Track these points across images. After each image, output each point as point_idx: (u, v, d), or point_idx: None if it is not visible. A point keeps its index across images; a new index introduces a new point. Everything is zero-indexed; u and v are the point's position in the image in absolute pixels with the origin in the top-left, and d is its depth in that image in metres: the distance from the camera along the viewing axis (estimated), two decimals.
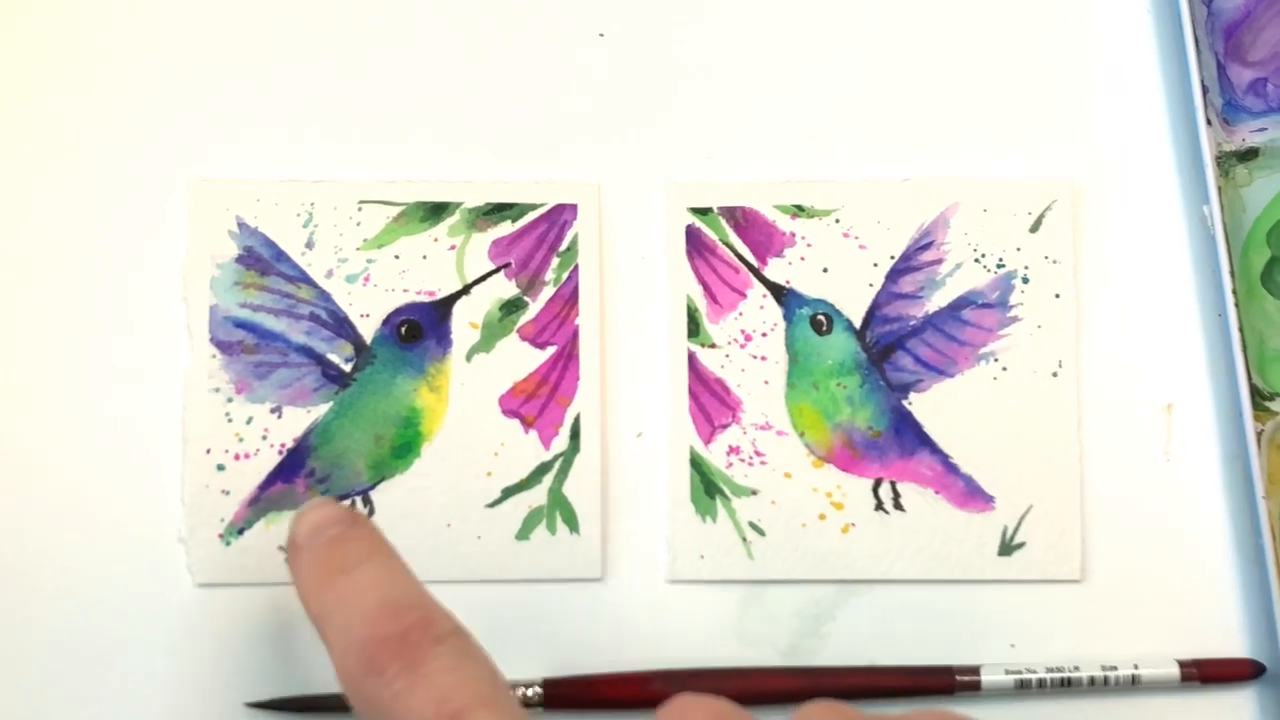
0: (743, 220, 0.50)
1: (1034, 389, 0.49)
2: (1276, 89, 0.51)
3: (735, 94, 0.51)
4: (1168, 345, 0.50)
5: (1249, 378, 0.48)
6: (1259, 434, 0.48)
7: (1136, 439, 0.49)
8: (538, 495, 0.48)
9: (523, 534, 0.48)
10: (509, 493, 0.48)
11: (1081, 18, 0.52)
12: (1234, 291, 0.48)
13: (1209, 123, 0.49)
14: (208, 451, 0.47)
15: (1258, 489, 0.47)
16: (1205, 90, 0.49)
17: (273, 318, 0.48)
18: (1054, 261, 0.50)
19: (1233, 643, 0.48)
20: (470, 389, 0.48)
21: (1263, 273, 0.50)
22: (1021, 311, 0.49)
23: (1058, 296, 0.49)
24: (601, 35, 0.51)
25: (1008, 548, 0.48)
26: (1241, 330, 0.48)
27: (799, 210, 0.50)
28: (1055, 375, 0.49)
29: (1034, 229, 0.50)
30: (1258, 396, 0.49)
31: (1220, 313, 0.49)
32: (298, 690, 0.47)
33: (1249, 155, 0.50)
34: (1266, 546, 0.47)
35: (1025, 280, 0.50)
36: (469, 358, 0.48)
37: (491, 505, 0.48)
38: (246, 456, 0.48)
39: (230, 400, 0.48)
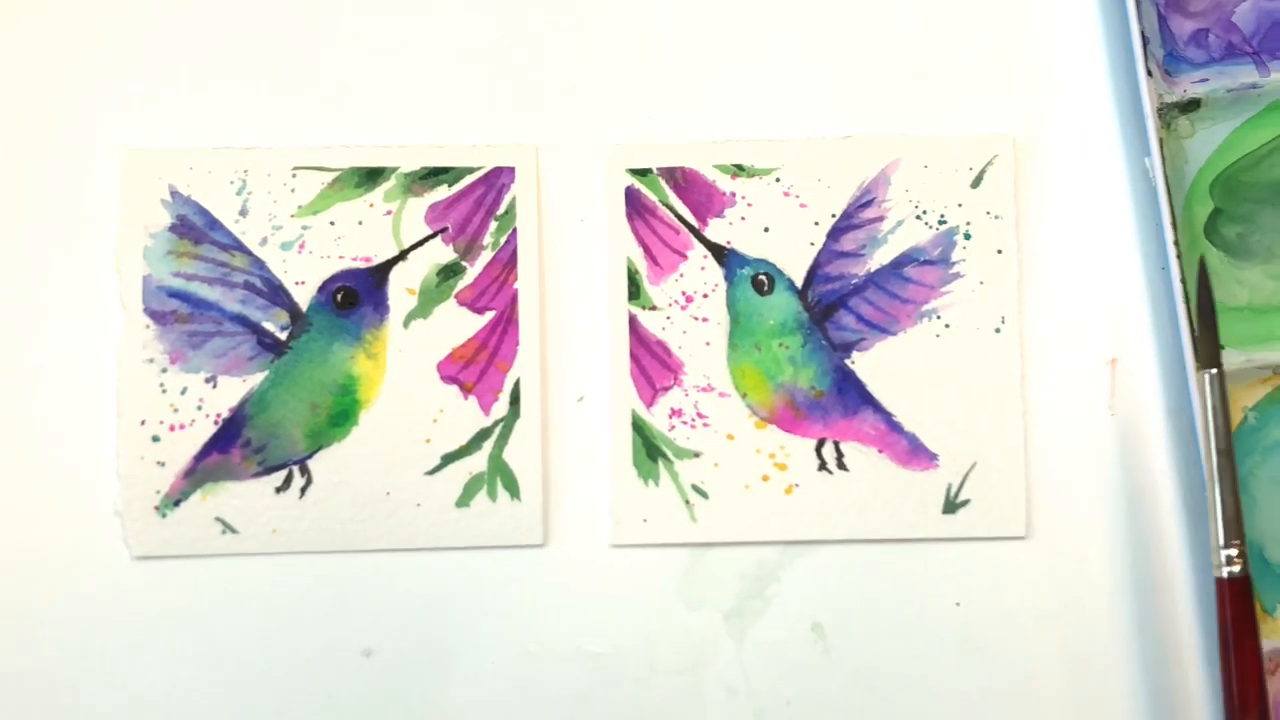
0: (682, 181, 0.51)
1: (977, 346, 0.51)
2: (1218, 39, 0.53)
3: (673, 54, 0.52)
4: (1111, 299, 0.52)
5: (1192, 330, 0.50)
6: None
7: (1080, 394, 0.51)
8: (478, 461, 0.49)
9: (463, 501, 0.49)
10: (449, 459, 0.49)
11: None
12: (1176, 244, 0.50)
13: (1150, 74, 0.51)
14: (142, 423, 0.49)
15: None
16: (1146, 42, 0.51)
17: (207, 286, 0.50)
18: (996, 217, 0.51)
19: (1178, 597, 0.50)
20: (408, 355, 0.50)
21: (1206, 224, 0.52)
22: (964, 268, 0.51)
23: (1000, 252, 0.51)
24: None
25: (952, 505, 0.50)
26: (1184, 282, 0.50)
27: (739, 170, 0.52)
28: (998, 331, 0.51)
29: (975, 184, 0.52)
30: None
31: (1163, 265, 0.51)
32: (236, 661, 0.49)
33: (1191, 106, 0.52)
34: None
35: (967, 236, 0.51)
36: (406, 324, 0.50)
37: (431, 472, 0.49)
38: (181, 427, 0.49)
39: (164, 371, 0.49)
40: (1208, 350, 0.46)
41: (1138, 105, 0.51)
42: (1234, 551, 0.46)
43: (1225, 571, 0.46)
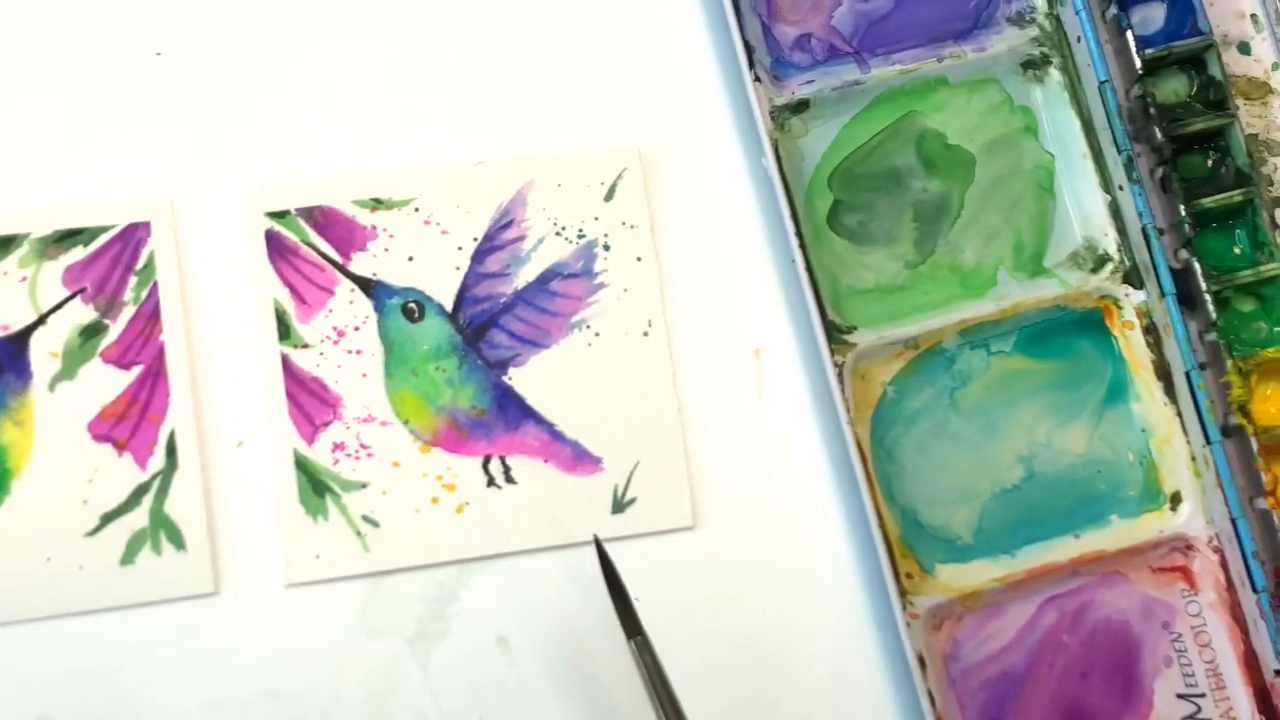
0: (322, 219, 0.54)
1: (628, 350, 0.54)
2: (820, 43, 0.58)
3: (300, 96, 0.55)
4: (749, 294, 0.56)
5: (823, 316, 0.54)
6: (839, 366, 0.55)
7: (730, 386, 0.55)
8: (139, 518, 0.51)
9: (127, 558, 0.50)
10: (108, 519, 0.50)
11: None
12: (798, 235, 0.54)
13: (758, 80, 0.56)
14: None
15: (843, 417, 0.54)
16: (751, 50, 0.56)
17: None
18: (631, 227, 0.55)
19: (842, 563, 0.54)
20: (56, 419, 0.51)
21: (828, 215, 0.57)
22: (607, 278, 0.55)
23: (639, 260, 0.55)
24: (159, 54, 0.55)
25: (620, 505, 0.53)
26: (812, 271, 0.54)
27: (377, 203, 0.54)
28: (646, 335, 0.55)
29: (608, 197, 0.55)
30: (835, 332, 0.55)
31: (792, 258, 0.55)
32: None
33: (801, 107, 0.57)
34: (857, 468, 0.53)
35: (607, 248, 0.55)
36: (52, 387, 0.51)
37: (91, 534, 0.50)
38: None
39: None
40: (629, 625, 0.49)
41: (750, 110, 0.56)
42: None
43: None
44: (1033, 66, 0.58)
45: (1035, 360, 0.56)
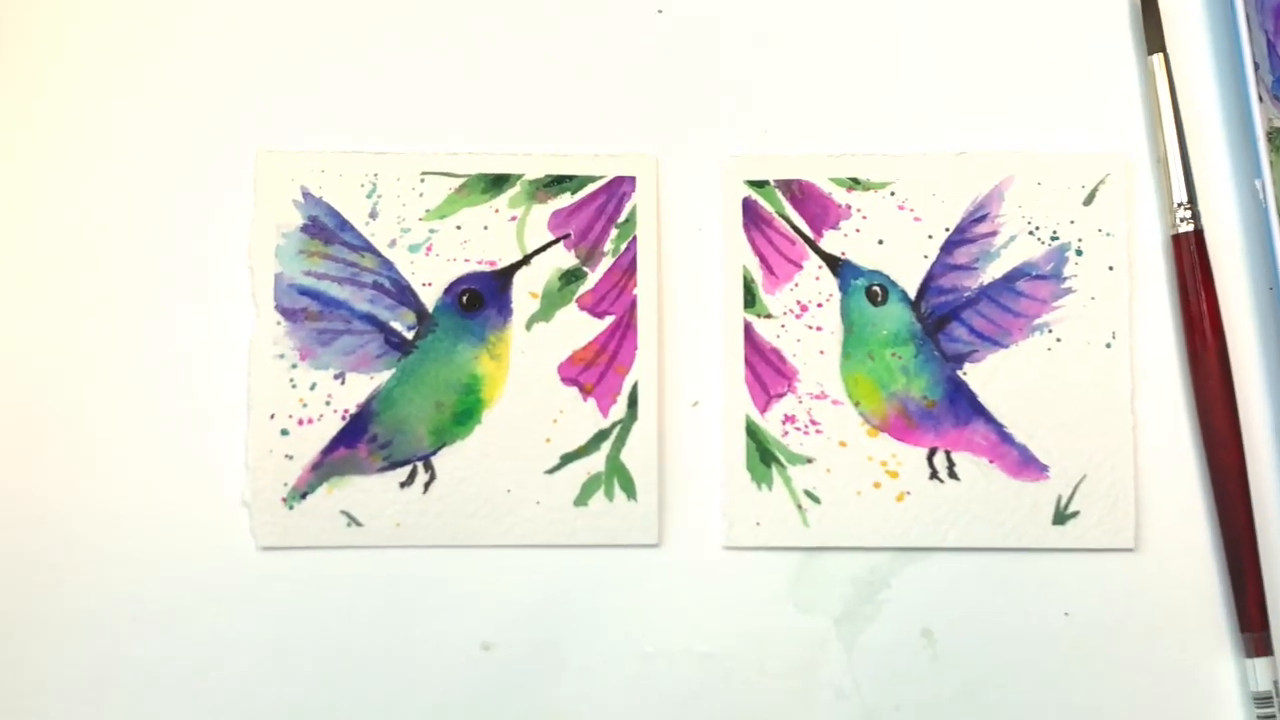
0: (799, 193, 0.56)
1: (1088, 360, 0.55)
2: None
3: (791, 69, 0.57)
4: (1224, 315, 0.56)
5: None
6: None
7: (1190, 410, 0.55)
8: (596, 462, 0.54)
9: (581, 500, 0.54)
10: (568, 459, 0.54)
11: None
12: None
13: (1260, 99, 0.55)
14: (271, 417, 0.54)
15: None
16: (1256, 67, 0.56)
17: (336, 286, 0.55)
18: (1107, 234, 0.56)
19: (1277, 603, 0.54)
20: (530, 357, 0.54)
21: None
22: (1076, 284, 0.55)
23: (1111, 269, 0.56)
24: (660, 11, 0.58)
25: (1062, 516, 0.54)
26: None
27: (854, 183, 0.56)
28: (1109, 346, 0.55)
29: (1087, 202, 0.56)
30: None
31: (1271, 286, 0.55)
32: (359, 650, 0.53)
33: None
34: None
35: (1079, 252, 0.56)
36: (529, 326, 0.55)
37: (550, 471, 0.54)
38: (310, 422, 0.54)
39: (294, 366, 0.54)
40: (1154, 37, 0.56)
41: (1248, 128, 0.55)
42: (1187, 214, 0.55)
43: (1181, 229, 0.55)
44: None
45: None
